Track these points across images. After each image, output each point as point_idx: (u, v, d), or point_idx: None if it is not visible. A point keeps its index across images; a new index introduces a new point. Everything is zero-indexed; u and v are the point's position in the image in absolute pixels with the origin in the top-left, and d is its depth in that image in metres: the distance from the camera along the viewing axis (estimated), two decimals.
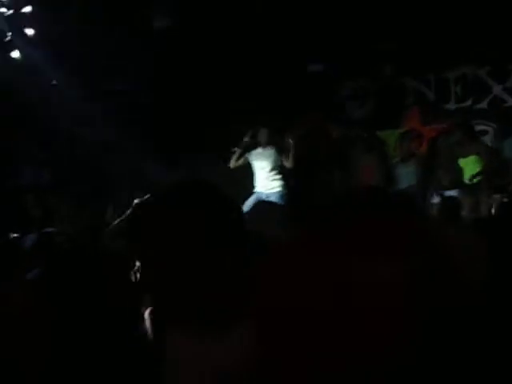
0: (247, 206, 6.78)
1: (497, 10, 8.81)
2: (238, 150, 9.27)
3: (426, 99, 10.20)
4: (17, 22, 8.45)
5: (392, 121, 10.08)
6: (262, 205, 4.06)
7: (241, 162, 9.27)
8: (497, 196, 7.85)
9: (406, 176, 8.54)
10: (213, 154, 9.84)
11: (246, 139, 9.26)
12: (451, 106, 10.03)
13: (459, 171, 8.51)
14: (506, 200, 7.39)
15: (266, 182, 9.14)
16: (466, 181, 8.46)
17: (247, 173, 9.32)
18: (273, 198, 8.10)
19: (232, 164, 9.30)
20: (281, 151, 9.09)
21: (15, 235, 4.14)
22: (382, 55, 9.91)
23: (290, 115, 9.50)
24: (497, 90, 9.67)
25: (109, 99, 9.75)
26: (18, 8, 8.37)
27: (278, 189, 9.02)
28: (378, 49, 9.76)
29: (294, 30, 9.46)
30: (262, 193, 8.99)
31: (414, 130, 9.70)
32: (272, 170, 9.14)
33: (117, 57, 9.36)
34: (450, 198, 7.61)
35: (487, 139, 9.31)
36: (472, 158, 8.42)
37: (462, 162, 8.52)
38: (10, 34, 8.52)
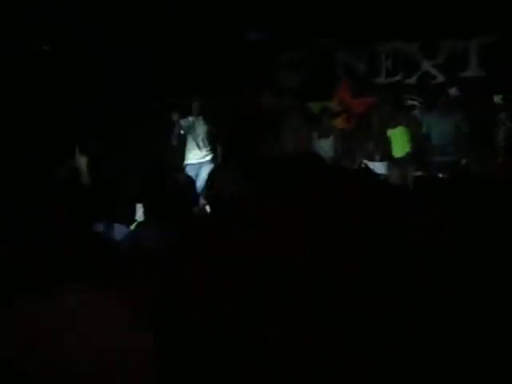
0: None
1: None
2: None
3: (356, 72, 10.19)
4: None
5: (324, 92, 10.06)
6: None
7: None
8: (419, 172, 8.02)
9: (323, 148, 8.69)
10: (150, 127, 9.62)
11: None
12: (381, 79, 10.09)
13: (387, 142, 8.62)
14: (419, 174, 7.55)
15: (198, 151, 8.99)
16: (395, 153, 8.57)
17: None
18: (206, 168, 8.01)
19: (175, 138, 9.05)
20: (213, 120, 8.96)
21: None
22: (314, 27, 9.83)
23: (225, 82, 9.42)
24: (426, 65, 9.74)
25: None
26: None
27: (209, 158, 8.93)
28: (312, 20, 9.67)
29: None
30: (193, 164, 8.84)
31: (340, 103, 9.76)
32: (203, 139, 9.01)
33: None
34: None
35: (415, 114, 9.39)
36: (400, 129, 8.56)
37: (389, 132, 8.65)
38: None
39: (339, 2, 9.36)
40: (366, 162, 8.27)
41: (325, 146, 8.84)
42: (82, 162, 5.05)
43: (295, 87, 10.28)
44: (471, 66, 9.51)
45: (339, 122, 9.81)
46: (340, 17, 9.53)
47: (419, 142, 8.60)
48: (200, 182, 6.37)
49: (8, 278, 1.45)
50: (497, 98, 8.78)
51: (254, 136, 9.12)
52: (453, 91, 9.22)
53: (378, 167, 8.12)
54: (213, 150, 9.04)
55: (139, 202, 4.24)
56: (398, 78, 9.99)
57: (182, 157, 9.08)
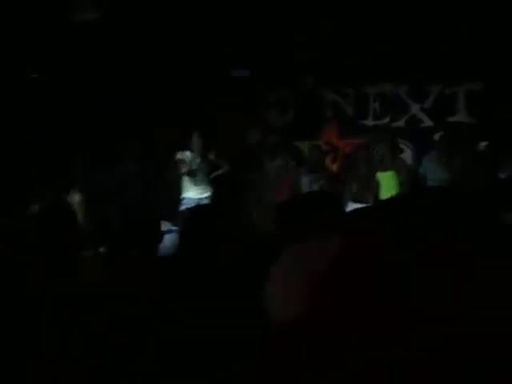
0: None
1: (417, 30, 8.90)
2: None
3: (344, 113, 10.19)
4: None
5: (310, 132, 10.05)
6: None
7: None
8: None
9: (310, 185, 8.63)
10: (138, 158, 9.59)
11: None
12: (369, 121, 10.08)
13: (375, 185, 8.56)
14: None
15: (196, 187, 8.95)
16: (383, 195, 8.51)
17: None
18: None
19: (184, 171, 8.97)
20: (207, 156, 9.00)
21: None
22: (303, 66, 9.86)
23: (212, 120, 9.46)
24: (415, 109, 9.76)
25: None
26: None
27: (207, 194, 8.92)
28: (300, 59, 9.70)
29: (218, 34, 9.33)
30: (191, 199, 8.75)
31: (327, 143, 9.74)
32: (201, 175, 8.98)
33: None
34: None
35: (403, 157, 9.35)
36: (389, 174, 8.51)
37: (379, 175, 8.59)
38: None
39: (329, 44, 9.38)
40: (351, 204, 8.19)
41: (313, 184, 8.78)
42: (75, 199, 5.10)
43: (282, 126, 10.27)
44: (459, 112, 9.52)
45: (326, 162, 9.78)
46: (328, 58, 9.56)
47: (407, 186, 8.55)
48: None
49: None
50: (483, 144, 8.80)
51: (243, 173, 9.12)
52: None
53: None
54: (210, 187, 9.03)
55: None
56: (385, 120, 9.98)
57: (179, 191, 9.00)
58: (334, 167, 9.89)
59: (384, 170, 8.54)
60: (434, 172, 8.42)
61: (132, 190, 9.45)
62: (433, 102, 9.67)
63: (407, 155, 9.54)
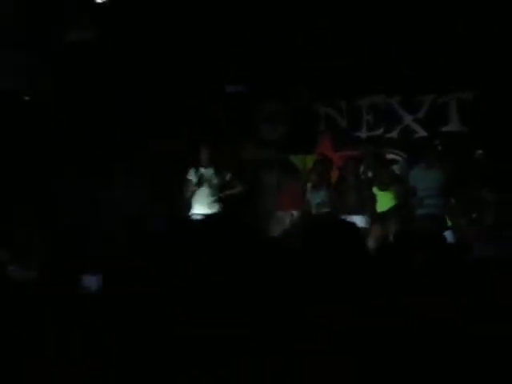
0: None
1: (408, 41, 8.93)
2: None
3: (337, 126, 10.19)
4: None
5: (304, 145, 10.03)
6: None
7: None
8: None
9: (315, 200, 8.60)
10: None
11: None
12: (362, 133, 10.08)
13: (369, 198, 8.55)
14: (399, 230, 7.44)
15: (206, 203, 8.85)
16: (378, 208, 8.50)
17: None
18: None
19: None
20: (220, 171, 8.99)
21: None
22: (295, 80, 9.87)
23: (206, 135, 9.50)
24: (408, 120, 9.77)
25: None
26: None
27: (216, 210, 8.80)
28: (292, 73, 9.72)
29: (212, 50, 9.37)
30: (199, 214, 8.60)
31: (324, 156, 9.71)
32: (211, 190, 8.91)
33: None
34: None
35: (396, 168, 9.35)
36: (386, 193, 8.51)
37: (375, 191, 8.60)
38: None
39: (320, 57, 9.40)
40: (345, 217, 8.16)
41: (317, 198, 8.75)
42: None
43: (276, 140, 10.26)
44: (452, 121, 9.52)
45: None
46: (321, 71, 9.57)
47: (402, 197, 8.53)
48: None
49: None
50: (477, 153, 8.79)
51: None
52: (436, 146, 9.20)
53: (358, 221, 7.99)
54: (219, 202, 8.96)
55: None
56: (379, 132, 9.97)
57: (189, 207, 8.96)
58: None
59: (380, 186, 8.55)
60: (422, 183, 8.39)
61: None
62: (425, 112, 9.68)
63: (401, 166, 9.51)
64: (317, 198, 8.79)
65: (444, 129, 9.53)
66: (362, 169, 9.08)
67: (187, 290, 1.42)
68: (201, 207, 8.81)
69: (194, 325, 1.26)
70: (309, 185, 9.04)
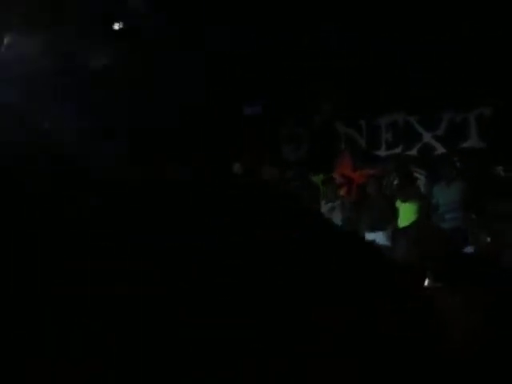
0: None
1: (427, 59, 8.95)
2: None
3: (357, 145, 10.22)
4: None
5: (325, 165, 10.07)
6: None
7: None
8: None
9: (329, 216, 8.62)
10: None
11: None
12: (382, 152, 10.10)
13: (392, 213, 8.55)
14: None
15: None
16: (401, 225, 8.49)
17: None
18: None
19: None
20: None
21: None
22: (315, 101, 9.93)
23: (226, 157, 9.55)
24: (427, 137, 9.76)
25: None
26: None
27: None
28: (312, 94, 9.78)
29: (231, 73, 9.45)
30: None
31: (341, 176, 9.76)
32: None
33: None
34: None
35: (418, 186, 9.33)
36: (409, 204, 8.51)
37: (398, 204, 8.59)
38: None
39: (340, 76, 9.45)
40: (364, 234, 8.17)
41: (329, 215, 8.78)
42: None
43: (296, 160, 10.31)
44: (471, 137, 9.50)
45: (341, 193, 9.78)
46: (341, 90, 9.63)
47: (425, 211, 8.52)
48: None
49: None
50: (497, 169, 8.77)
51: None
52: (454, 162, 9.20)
53: (380, 238, 8.00)
54: None
55: None
56: (398, 150, 9.98)
57: None
58: (350, 198, 9.88)
59: (403, 199, 8.54)
60: (443, 198, 8.39)
61: None
62: (444, 129, 9.67)
63: (421, 183, 9.51)
64: (328, 209, 8.84)
65: (463, 145, 9.52)
66: (383, 185, 9.13)
67: (191, 290, 1.45)
68: None
69: (197, 326, 1.29)
70: (323, 202, 9.10)
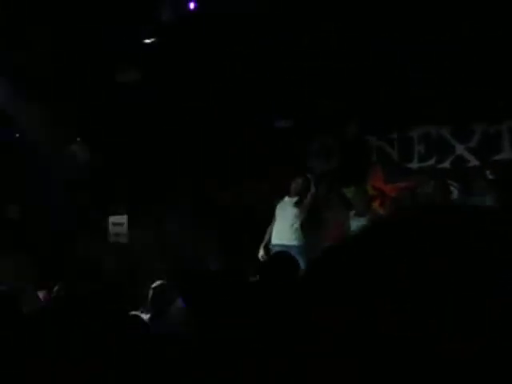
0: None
1: (459, 71, 8.89)
2: None
3: (389, 157, 10.17)
4: None
5: (356, 178, 10.02)
6: None
7: None
8: None
9: (354, 227, 8.52)
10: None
11: None
12: (414, 164, 10.04)
13: None
14: None
15: (286, 233, 8.51)
16: None
17: None
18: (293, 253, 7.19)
19: None
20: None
21: None
22: (346, 113, 9.93)
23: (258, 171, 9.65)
24: (459, 149, 9.68)
25: None
26: None
27: (296, 243, 8.39)
28: (343, 107, 9.78)
29: (261, 87, 9.52)
30: (278, 245, 8.29)
31: (374, 188, 9.73)
32: (293, 221, 8.56)
33: None
34: None
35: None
36: None
37: None
38: None
39: (372, 90, 9.46)
40: None
41: (356, 225, 8.71)
42: None
43: (327, 173, 10.29)
44: (504, 149, 9.41)
45: (373, 206, 9.74)
46: (372, 103, 9.62)
47: None
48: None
49: None
50: None
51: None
52: (486, 174, 9.12)
53: None
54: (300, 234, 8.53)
55: None
56: (430, 162, 9.91)
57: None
58: (382, 211, 9.82)
59: None
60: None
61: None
62: (477, 141, 9.58)
63: (454, 196, 9.42)
64: (356, 225, 8.74)
65: (497, 157, 9.42)
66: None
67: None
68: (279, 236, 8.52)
69: (198, 326, 1.30)
70: (351, 213, 9.02)
